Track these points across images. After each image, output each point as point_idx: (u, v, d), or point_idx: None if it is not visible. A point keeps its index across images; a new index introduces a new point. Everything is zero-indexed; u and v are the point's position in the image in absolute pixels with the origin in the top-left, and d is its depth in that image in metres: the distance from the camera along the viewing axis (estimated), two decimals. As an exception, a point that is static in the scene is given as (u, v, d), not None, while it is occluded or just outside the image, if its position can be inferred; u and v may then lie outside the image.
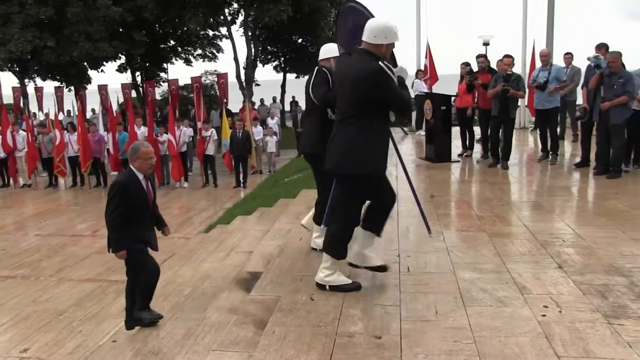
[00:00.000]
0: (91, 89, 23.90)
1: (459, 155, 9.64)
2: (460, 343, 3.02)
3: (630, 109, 7.20)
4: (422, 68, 13.92)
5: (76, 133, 13.30)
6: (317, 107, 4.46)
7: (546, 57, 8.84)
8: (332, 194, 4.04)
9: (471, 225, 5.41)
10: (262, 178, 13.46)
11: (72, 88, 23.05)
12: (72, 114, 18.82)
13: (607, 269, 4.01)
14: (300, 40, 26.51)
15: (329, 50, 4.57)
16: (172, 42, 26.68)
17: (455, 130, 10.00)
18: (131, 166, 4.09)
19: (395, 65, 3.79)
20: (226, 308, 4.05)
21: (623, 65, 7.36)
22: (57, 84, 23.21)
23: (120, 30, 21.69)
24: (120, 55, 23.19)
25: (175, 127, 12.83)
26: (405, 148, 11.57)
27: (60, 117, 18.59)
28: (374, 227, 3.88)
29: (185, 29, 22.37)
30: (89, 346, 4.45)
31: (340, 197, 3.83)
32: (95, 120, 16.10)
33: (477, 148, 9.78)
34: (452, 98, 9.93)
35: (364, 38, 3.61)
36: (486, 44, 23.21)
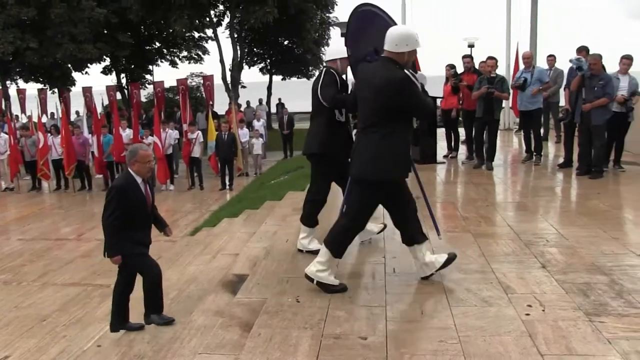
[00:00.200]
0: (75, 91, 23.65)
1: (444, 156, 9.71)
2: (446, 343, 3.05)
3: (610, 110, 7.32)
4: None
5: (60, 136, 13.16)
6: (324, 108, 4.46)
7: (529, 59, 8.95)
8: (349, 197, 4.01)
9: (456, 226, 5.46)
10: (248, 180, 13.43)
11: (56, 90, 22.77)
12: (55, 116, 18.61)
13: (589, 268, 4.07)
14: (286, 42, 26.49)
15: (336, 52, 4.57)
16: (158, 44, 26.47)
17: (441, 132, 10.08)
18: (129, 169, 4.03)
19: (415, 71, 3.86)
20: (212, 311, 4.04)
21: (603, 68, 7.49)
22: (40, 85, 22.92)
23: (105, 31, 21.47)
24: (104, 57, 22.95)
25: (161, 130, 12.75)
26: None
27: (44, 119, 18.35)
28: (416, 237, 3.90)
29: (171, 30, 22.22)
30: (73, 351, 4.41)
31: (358, 201, 3.84)
32: (79, 122, 15.91)
33: (462, 149, 9.86)
34: (437, 100, 10.01)
35: (385, 47, 3.66)
36: (471, 45, 23.42)
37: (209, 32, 24.94)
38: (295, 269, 4.34)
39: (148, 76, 27.16)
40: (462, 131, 9.91)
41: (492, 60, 8.49)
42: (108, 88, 22.03)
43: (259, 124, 16.35)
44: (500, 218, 5.68)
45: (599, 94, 7.16)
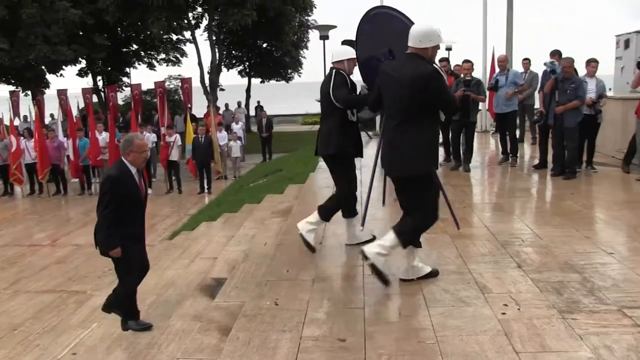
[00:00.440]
0: (50, 94, 23.22)
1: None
2: (424, 343, 3.07)
3: (581, 112, 7.49)
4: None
5: (33, 139, 12.91)
6: (336, 108, 4.49)
7: (503, 62, 9.11)
8: (406, 201, 3.98)
9: (434, 228, 5.48)
10: (227, 183, 13.37)
11: (29, 92, 22.33)
12: (29, 119, 18.24)
13: (563, 267, 4.16)
14: (265, 45, 26.41)
15: (343, 53, 4.59)
16: (135, 46, 26.14)
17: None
18: (123, 159, 3.96)
19: None
20: (190, 315, 4.02)
21: (575, 71, 7.66)
22: (12, 87, 22.45)
23: (81, 33, 21.12)
24: (80, 59, 22.58)
25: (139, 133, 12.60)
26: (371, 152, 11.67)
27: (16, 122, 17.94)
28: (417, 242, 3.99)
29: (149, 32, 21.97)
30: (46, 360, 4.32)
31: (417, 196, 3.86)
32: (54, 125, 15.65)
33: (440, 151, 9.96)
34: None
35: (409, 43, 3.73)
36: (449, 48, 23.71)
37: (187, 34, 24.74)
38: (274, 272, 4.33)
39: (125, 79, 26.83)
40: (439, 133, 10.00)
41: (468, 64, 8.60)
42: (84, 91, 21.68)
43: (237, 127, 16.29)
44: (477, 219, 5.76)
45: (571, 97, 7.33)
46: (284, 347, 3.11)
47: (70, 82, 23.45)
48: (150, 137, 13.00)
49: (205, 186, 12.59)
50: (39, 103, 19.26)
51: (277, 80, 28.29)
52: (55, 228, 9.57)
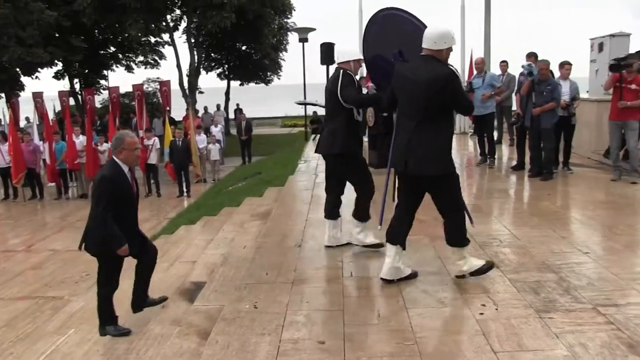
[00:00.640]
0: (25, 97, 22.78)
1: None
2: (403, 344, 3.09)
3: (557, 114, 7.63)
4: (365, 75, 14.10)
5: (7, 143, 12.65)
6: (343, 108, 4.49)
7: (480, 65, 9.22)
8: (440, 204, 4.01)
9: (413, 229, 5.51)
10: (206, 187, 13.28)
11: (3, 95, 21.87)
12: (2, 123, 17.87)
13: (540, 267, 4.22)
14: (244, 48, 26.31)
15: (349, 53, 4.58)
16: (113, 49, 25.79)
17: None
18: (115, 158, 3.92)
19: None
20: (169, 320, 3.97)
21: (552, 73, 7.80)
22: (-17, 90, 21.96)
23: (57, 35, 20.77)
24: (56, 61, 22.20)
25: (129, 131, 12.41)
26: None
27: (-10, 126, 17.61)
28: (404, 243, 4.06)
29: (126, 35, 21.72)
30: (21, 368, 4.22)
31: (446, 196, 3.91)
32: (29, 129, 15.35)
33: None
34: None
35: (424, 45, 3.76)
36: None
37: (166, 36, 24.55)
38: (253, 276, 4.31)
39: (103, 81, 26.47)
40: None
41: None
42: (60, 93, 21.34)
43: (216, 130, 16.19)
44: (456, 220, 5.79)
45: (548, 99, 7.45)
46: (263, 351, 3.09)
47: (47, 84, 23.09)
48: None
49: (184, 189, 12.48)
50: (13, 106, 18.90)
51: (256, 83, 28.18)
52: (31, 233, 9.38)
